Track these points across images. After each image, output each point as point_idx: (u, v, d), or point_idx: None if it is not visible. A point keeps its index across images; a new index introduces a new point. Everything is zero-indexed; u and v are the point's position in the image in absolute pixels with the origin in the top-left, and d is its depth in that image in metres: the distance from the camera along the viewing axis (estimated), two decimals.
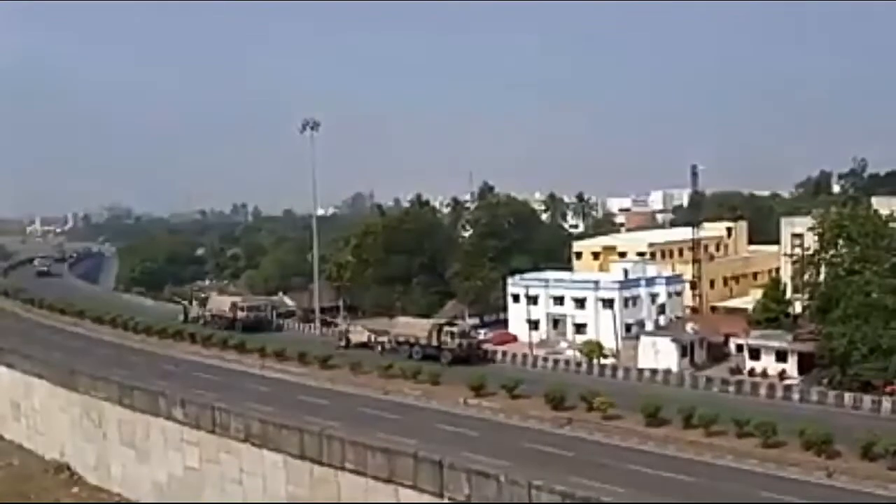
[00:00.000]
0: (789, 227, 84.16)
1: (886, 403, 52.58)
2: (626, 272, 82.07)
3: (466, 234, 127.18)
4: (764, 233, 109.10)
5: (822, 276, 65.06)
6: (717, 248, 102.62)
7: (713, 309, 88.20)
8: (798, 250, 74.52)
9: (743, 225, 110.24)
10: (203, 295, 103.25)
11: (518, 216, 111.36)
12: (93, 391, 60.31)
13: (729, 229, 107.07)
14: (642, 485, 38.53)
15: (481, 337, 78.42)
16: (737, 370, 65.53)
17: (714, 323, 77.52)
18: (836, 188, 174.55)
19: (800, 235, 77.19)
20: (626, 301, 78.81)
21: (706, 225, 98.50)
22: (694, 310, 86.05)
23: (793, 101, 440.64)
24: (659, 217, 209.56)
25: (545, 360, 69.20)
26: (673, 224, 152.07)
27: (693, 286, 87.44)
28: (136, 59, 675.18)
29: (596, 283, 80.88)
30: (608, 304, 78.07)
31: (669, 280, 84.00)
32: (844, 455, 42.73)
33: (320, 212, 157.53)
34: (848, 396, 54.50)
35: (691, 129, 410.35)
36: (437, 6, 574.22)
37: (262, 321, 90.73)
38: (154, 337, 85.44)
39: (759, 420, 45.96)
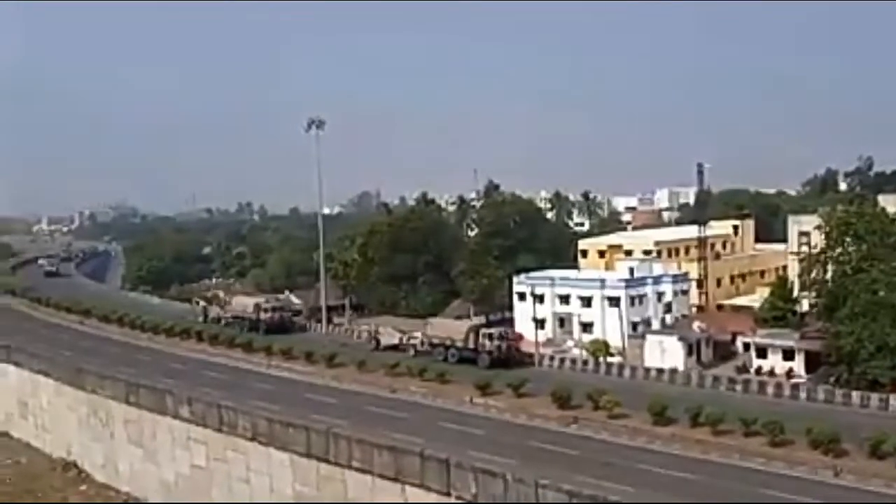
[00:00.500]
0: (796, 225, 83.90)
1: (894, 402, 52.45)
2: (632, 271, 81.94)
3: (472, 233, 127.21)
4: (771, 231, 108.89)
5: (829, 274, 64.88)
6: (724, 247, 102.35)
7: (720, 307, 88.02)
8: (805, 248, 74.19)
9: (749, 223, 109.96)
10: (224, 296, 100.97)
11: (523, 215, 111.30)
12: (100, 390, 60.45)
13: (735, 227, 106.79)
14: (649, 484, 38.54)
15: None
16: (743, 369, 65.38)
17: (721, 321, 77.35)
18: (842, 186, 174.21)
19: (807, 233, 76.87)
20: (632, 299, 78.68)
21: (712, 223, 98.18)
22: (700, 308, 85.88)
23: (799, 99, 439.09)
24: (665, 215, 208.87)
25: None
26: (679, 222, 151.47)
27: (699, 284, 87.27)
28: (141, 58, 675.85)
29: (602, 281, 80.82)
30: (614, 302, 77.98)
31: (676, 278, 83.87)
32: (852, 454, 42.68)
33: (326, 211, 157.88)
34: (855, 395, 54.43)
35: (697, 128, 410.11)
36: (442, 6, 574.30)
37: (286, 322, 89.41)
38: (161, 335, 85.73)
39: (766, 419, 45.93)
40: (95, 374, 61.99)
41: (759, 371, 64.56)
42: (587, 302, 79.75)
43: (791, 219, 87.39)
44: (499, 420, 52.90)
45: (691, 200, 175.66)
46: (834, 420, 46.33)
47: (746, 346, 69.31)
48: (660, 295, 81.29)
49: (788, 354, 64.87)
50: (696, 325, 74.31)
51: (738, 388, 58.87)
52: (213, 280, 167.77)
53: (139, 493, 55.99)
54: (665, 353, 67.85)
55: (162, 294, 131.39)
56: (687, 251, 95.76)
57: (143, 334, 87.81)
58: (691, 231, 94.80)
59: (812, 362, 63.29)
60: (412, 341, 73.98)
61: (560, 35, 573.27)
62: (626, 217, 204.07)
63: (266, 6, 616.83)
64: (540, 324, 79.02)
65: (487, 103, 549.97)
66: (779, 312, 75.33)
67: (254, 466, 47.55)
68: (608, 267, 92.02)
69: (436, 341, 71.25)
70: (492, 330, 70.96)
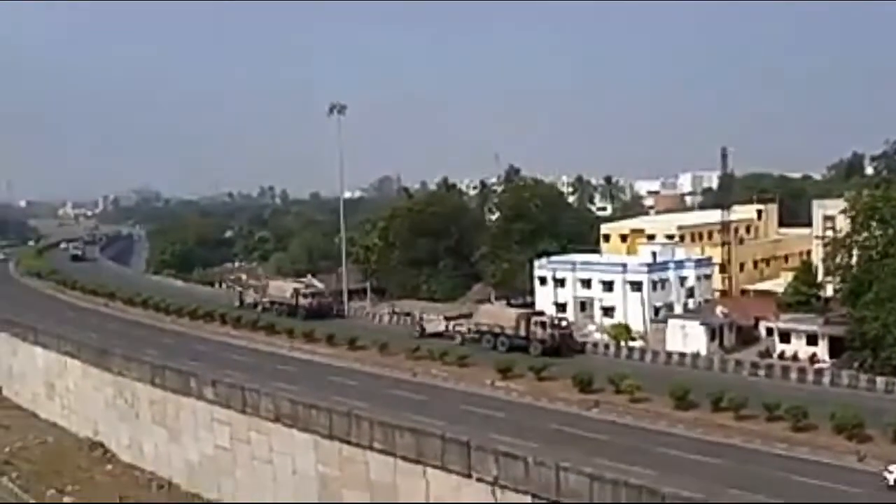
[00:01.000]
0: (821, 209, 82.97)
1: None
2: (654, 255, 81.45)
3: (493, 217, 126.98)
4: (795, 215, 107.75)
5: (854, 259, 64.17)
6: (748, 231, 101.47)
7: (743, 292, 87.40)
8: (830, 233, 73.38)
9: (773, 207, 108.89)
10: (260, 280, 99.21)
11: (545, 199, 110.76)
12: (126, 371, 61.32)
13: (759, 212, 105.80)
14: (672, 467, 38.46)
15: None
16: (767, 353, 65.00)
17: (744, 306, 76.83)
18: (868, 170, 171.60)
19: (832, 218, 76.01)
20: (654, 284, 78.28)
21: (736, 207, 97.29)
22: (723, 293, 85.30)
23: (825, 82, 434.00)
24: (688, 200, 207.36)
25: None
26: (702, 207, 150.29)
27: (722, 269, 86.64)
28: (166, 43, 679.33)
29: (624, 265, 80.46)
30: (636, 286, 77.63)
31: (699, 263, 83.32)
32: (876, 439, 42.42)
33: (347, 195, 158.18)
34: (880, 380, 53.96)
35: (721, 111, 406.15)
36: None
37: (325, 308, 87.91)
38: (185, 318, 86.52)
39: (789, 404, 45.70)
40: (121, 356, 62.84)
41: (782, 356, 64.16)
42: (609, 286, 79.42)
43: (816, 203, 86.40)
44: (520, 403, 53.01)
45: (714, 184, 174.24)
46: (858, 405, 45.92)
47: (769, 331, 68.84)
48: (682, 279, 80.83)
49: (812, 339, 64.40)
50: (718, 309, 73.88)
51: (761, 372, 58.54)
52: (236, 264, 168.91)
53: (164, 473, 56.79)
54: (687, 337, 67.59)
55: (186, 278, 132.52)
56: (710, 235, 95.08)
57: (166, 317, 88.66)
58: (715, 215, 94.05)
59: (836, 347, 62.81)
60: (459, 328, 72.39)
61: (582, 18, 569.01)
62: (649, 201, 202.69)
63: None
64: (561, 308, 78.98)
65: (509, 87, 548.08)
66: (803, 297, 74.70)
67: (277, 447, 48.08)
68: (630, 251, 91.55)
69: (484, 328, 69.53)
70: (544, 317, 68.89)
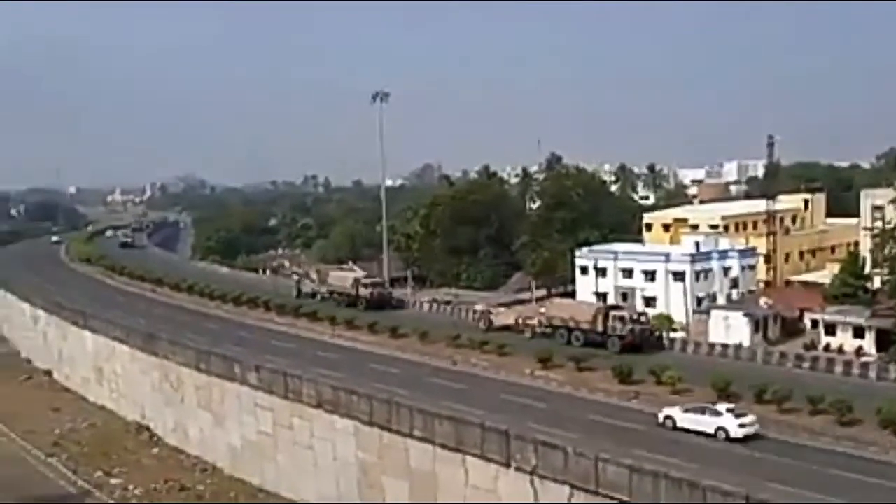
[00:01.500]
0: (869, 199, 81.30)
1: None
2: (697, 245, 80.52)
3: (534, 206, 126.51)
4: (843, 205, 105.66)
5: None
6: (794, 221, 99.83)
7: (788, 283, 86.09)
8: (878, 223, 71.97)
9: (821, 197, 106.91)
10: (319, 270, 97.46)
11: (587, 187, 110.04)
12: (171, 356, 62.51)
13: (806, 201, 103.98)
14: (714, 461, 38.16)
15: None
16: (811, 346, 64.00)
17: (788, 297, 75.70)
18: None
19: (880, 208, 74.52)
20: (697, 274, 77.42)
21: (782, 197, 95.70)
22: (768, 284, 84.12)
23: (874, 70, 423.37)
24: (733, 189, 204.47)
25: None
26: (747, 196, 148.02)
27: (767, 260, 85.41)
28: (213, 34, 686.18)
29: (666, 255, 79.68)
30: (679, 277, 76.86)
31: (743, 253, 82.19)
32: None
33: (389, 183, 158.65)
34: None
35: (768, 98, 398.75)
36: None
37: (386, 298, 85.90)
38: (229, 304, 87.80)
39: (833, 397, 44.92)
40: (167, 341, 64.08)
41: (827, 348, 63.18)
42: (651, 276, 78.79)
43: (864, 193, 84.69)
44: (559, 393, 52.95)
45: (760, 173, 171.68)
46: None
47: (815, 323, 67.79)
48: (726, 270, 79.82)
49: (858, 332, 63.27)
50: (762, 300, 72.91)
51: (806, 365, 57.66)
52: (280, 251, 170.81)
53: (208, 458, 57.85)
54: (730, 328, 66.80)
55: (230, 264, 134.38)
56: (755, 226, 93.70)
57: (211, 302, 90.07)
58: (760, 205, 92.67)
59: (883, 340, 61.64)
60: (529, 322, 69.71)
61: (626, 8, 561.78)
62: (693, 190, 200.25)
63: None
64: (602, 298, 78.54)
65: (552, 75, 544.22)
66: (849, 289, 73.30)
67: (318, 433, 48.69)
68: (673, 241, 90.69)
69: (557, 322, 66.54)
70: (624, 311, 65.84)
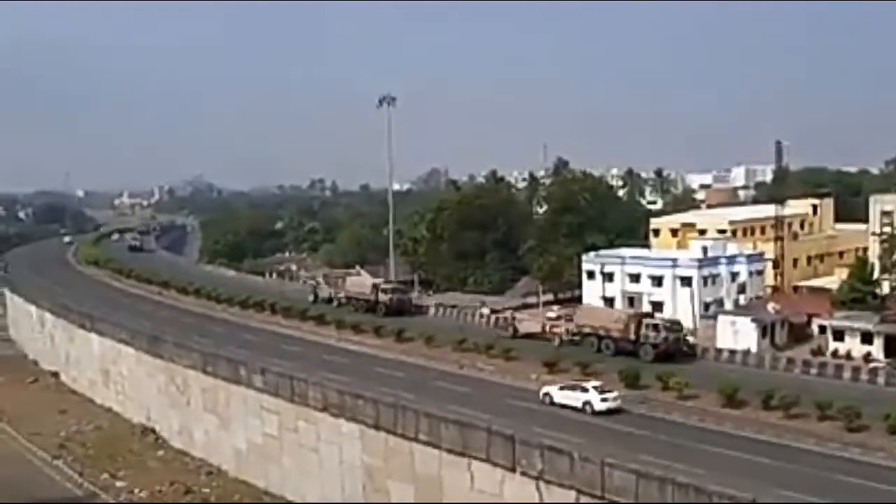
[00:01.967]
0: (878, 204, 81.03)
1: None
2: (705, 250, 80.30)
3: (541, 210, 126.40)
4: (852, 211, 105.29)
5: None
6: (802, 226, 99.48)
7: (796, 289, 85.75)
8: (887, 229, 71.72)
9: (829, 202, 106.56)
10: (326, 274, 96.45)
11: (594, 192, 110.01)
12: (177, 359, 62.52)
13: (814, 207, 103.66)
14: (721, 467, 37.91)
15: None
16: (819, 352, 63.65)
17: (796, 303, 75.38)
18: None
19: (889, 213, 74.37)
20: (704, 279, 77.19)
21: (790, 202, 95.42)
22: (775, 289, 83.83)
23: (883, 74, 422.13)
24: (741, 194, 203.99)
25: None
26: (755, 201, 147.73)
27: (775, 265, 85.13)
28: (217, 38, 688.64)
29: (674, 260, 79.46)
30: (686, 282, 76.65)
31: (750, 258, 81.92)
32: None
33: (396, 187, 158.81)
34: None
35: (777, 103, 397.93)
36: None
37: (406, 304, 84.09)
38: (235, 307, 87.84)
39: (841, 403, 44.73)
40: (173, 344, 64.10)
41: (835, 354, 62.82)
42: (658, 281, 78.62)
43: (873, 198, 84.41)
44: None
45: (768, 178, 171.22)
46: None
47: (822, 329, 67.45)
48: (734, 275, 79.55)
49: (867, 338, 62.91)
50: (770, 306, 72.58)
51: (813, 371, 57.41)
52: (286, 254, 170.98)
53: (213, 460, 57.80)
54: (738, 334, 66.49)
55: (238, 268, 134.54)
56: (763, 231, 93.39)
57: (217, 305, 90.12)
58: (768, 210, 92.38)
59: (891, 346, 61.28)
60: (556, 329, 68.17)
61: (633, 11, 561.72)
62: (700, 195, 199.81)
63: None
64: (609, 302, 78.35)
65: (559, 78, 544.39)
66: (858, 295, 72.97)
67: (324, 436, 48.60)
68: (681, 246, 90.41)
69: (587, 330, 64.93)
70: (657, 319, 64.28)
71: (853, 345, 63.09)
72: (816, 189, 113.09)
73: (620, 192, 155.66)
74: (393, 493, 44.15)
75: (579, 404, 48.28)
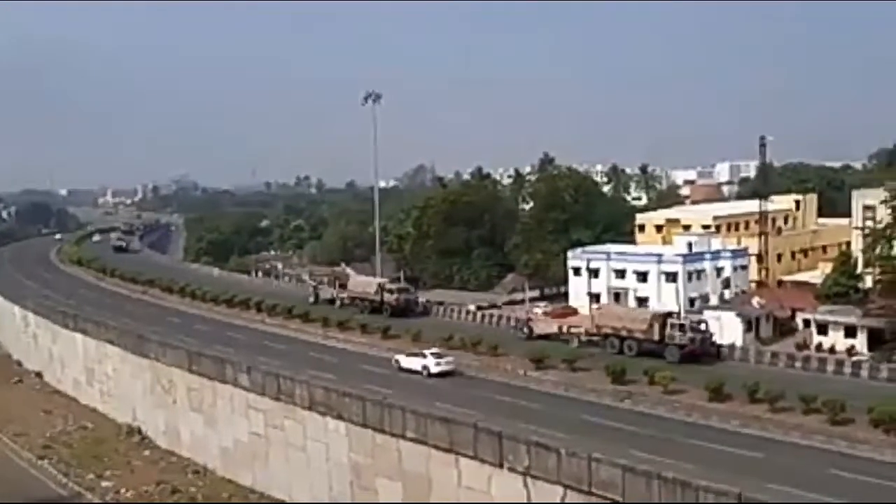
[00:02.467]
0: (861, 198, 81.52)
1: None
2: (690, 245, 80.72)
3: (527, 207, 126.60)
4: (835, 206, 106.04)
5: (894, 250, 63.05)
6: (786, 222, 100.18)
7: (780, 283, 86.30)
8: (870, 223, 72.13)
9: (812, 197, 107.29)
10: (342, 273, 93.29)
11: (579, 188, 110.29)
12: (163, 358, 62.16)
13: (798, 202, 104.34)
14: (707, 461, 38.05)
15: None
16: (803, 345, 64.10)
17: (781, 297, 75.86)
18: None
19: (872, 208, 74.65)
20: (689, 275, 77.58)
21: (774, 197, 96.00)
22: (760, 284, 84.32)
23: (867, 71, 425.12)
24: (725, 189, 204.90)
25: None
26: (740, 197, 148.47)
27: (759, 260, 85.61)
28: (202, 33, 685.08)
29: (659, 256, 79.82)
30: (671, 277, 77.03)
31: (735, 253, 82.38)
32: None
33: (382, 184, 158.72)
34: None
35: (760, 99, 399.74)
36: None
37: (411, 304, 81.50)
38: (221, 306, 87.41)
39: (826, 396, 44.92)
40: (158, 343, 63.73)
41: (819, 348, 63.30)
42: (643, 277, 78.94)
43: (856, 193, 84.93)
44: (552, 394, 52.85)
45: (752, 174, 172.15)
46: None
47: (807, 323, 67.93)
48: (718, 270, 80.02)
49: (850, 331, 63.41)
50: (755, 300, 73.04)
51: (798, 364, 57.69)
52: (272, 252, 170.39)
53: (199, 459, 57.53)
54: (723, 328, 66.84)
55: (223, 266, 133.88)
56: (747, 226, 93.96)
57: (203, 304, 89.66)
58: (752, 206, 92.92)
59: (875, 340, 61.85)
60: (574, 330, 66.08)
61: (617, 7, 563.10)
62: (685, 191, 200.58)
63: None
64: (595, 298, 78.57)
65: (543, 76, 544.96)
66: (841, 289, 73.55)
67: (310, 434, 48.47)
68: (665, 242, 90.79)
69: (608, 330, 62.73)
70: (683, 320, 61.63)
71: (837, 338, 63.56)
72: (800, 184, 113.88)
73: (605, 189, 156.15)
74: (380, 491, 44.11)
75: (419, 368, 56.91)
